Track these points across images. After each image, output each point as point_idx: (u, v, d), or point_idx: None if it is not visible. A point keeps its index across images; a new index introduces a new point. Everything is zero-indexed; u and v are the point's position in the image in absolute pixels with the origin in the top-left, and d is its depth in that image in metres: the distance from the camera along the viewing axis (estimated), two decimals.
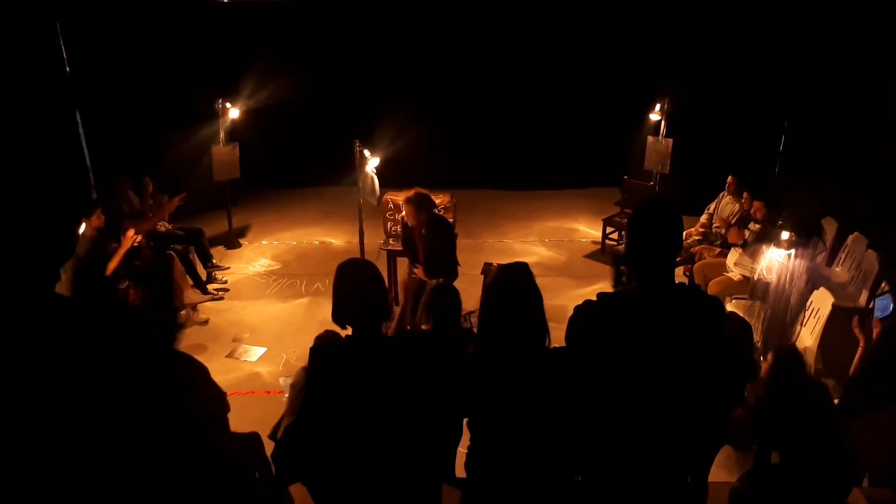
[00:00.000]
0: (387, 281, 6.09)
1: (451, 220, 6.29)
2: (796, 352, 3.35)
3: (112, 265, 5.23)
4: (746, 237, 5.89)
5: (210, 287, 6.83)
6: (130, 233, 5.44)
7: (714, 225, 7.05)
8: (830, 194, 6.57)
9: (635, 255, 2.12)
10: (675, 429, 2.16)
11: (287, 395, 2.43)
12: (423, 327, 3.31)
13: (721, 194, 7.18)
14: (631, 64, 8.86)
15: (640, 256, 2.11)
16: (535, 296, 2.33)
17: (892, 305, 4.06)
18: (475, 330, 3.00)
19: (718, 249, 6.45)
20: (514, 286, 2.34)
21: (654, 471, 2.22)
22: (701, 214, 7.29)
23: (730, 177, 7.04)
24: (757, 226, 5.91)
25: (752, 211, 6.10)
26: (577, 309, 2.16)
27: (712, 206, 7.26)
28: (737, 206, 6.83)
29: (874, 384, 3.62)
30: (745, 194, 6.49)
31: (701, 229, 7.12)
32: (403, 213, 5.40)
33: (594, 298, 2.17)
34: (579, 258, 7.86)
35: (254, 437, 3.29)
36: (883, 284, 5.17)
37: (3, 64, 6.29)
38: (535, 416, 2.29)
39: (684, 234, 7.17)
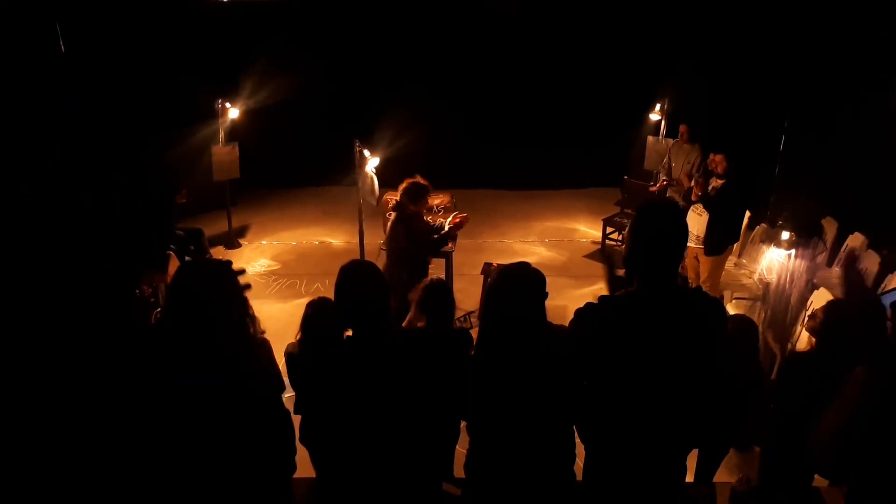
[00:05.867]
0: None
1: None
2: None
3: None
4: (709, 192, 5.79)
5: None
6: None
7: (671, 182, 7.21)
8: (830, 194, 6.56)
9: (637, 258, 2.11)
10: (677, 430, 2.15)
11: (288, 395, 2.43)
12: (419, 325, 3.31)
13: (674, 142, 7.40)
14: (631, 64, 8.85)
15: (642, 259, 2.10)
16: (536, 296, 2.32)
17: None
18: (474, 329, 2.99)
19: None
20: (515, 287, 2.33)
21: (655, 472, 2.22)
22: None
23: (682, 126, 7.24)
24: (720, 181, 5.77)
25: (712, 165, 5.88)
26: (578, 312, 2.15)
27: (665, 159, 7.40)
28: (694, 155, 7.00)
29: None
30: (710, 155, 6.19)
31: (664, 184, 7.27)
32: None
33: (594, 300, 2.16)
34: (579, 258, 7.85)
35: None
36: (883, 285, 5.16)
37: (2, 64, 6.28)
38: (535, 417, 2.28)
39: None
